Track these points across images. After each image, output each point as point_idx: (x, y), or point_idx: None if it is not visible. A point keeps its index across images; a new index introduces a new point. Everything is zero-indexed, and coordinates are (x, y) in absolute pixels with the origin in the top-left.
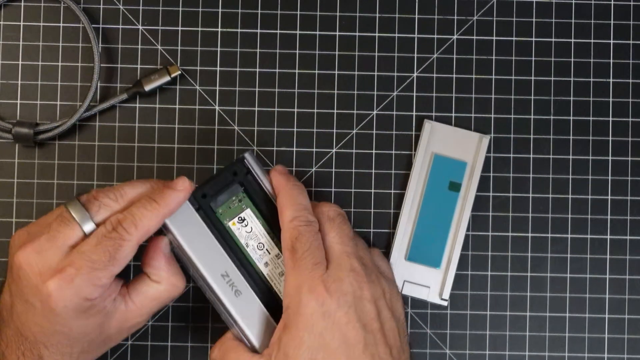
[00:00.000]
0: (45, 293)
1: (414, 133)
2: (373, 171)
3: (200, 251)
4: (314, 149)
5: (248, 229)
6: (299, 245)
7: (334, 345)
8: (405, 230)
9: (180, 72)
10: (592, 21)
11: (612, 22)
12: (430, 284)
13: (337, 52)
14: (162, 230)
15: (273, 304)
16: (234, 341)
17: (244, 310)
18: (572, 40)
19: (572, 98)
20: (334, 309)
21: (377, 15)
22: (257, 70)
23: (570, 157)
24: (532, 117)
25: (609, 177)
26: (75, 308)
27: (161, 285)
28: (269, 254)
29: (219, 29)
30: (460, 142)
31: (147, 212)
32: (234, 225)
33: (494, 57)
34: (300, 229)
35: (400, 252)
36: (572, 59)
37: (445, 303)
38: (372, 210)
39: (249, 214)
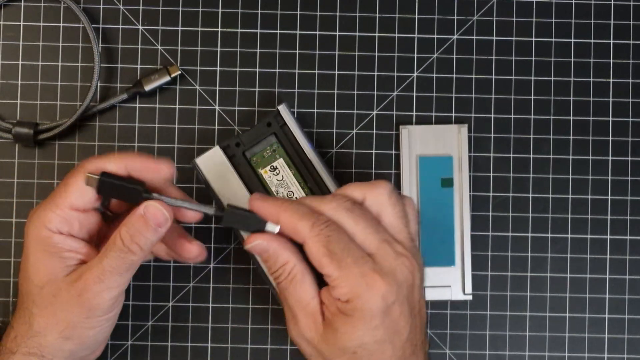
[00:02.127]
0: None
1: None
2: (373, 171)
3: (227, 194)
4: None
5: (279, 177)
6: (334, 246)
7: (382, 337)
8: None
9: (180, 72)
10: (592, 21)
11: (612, 22)
12: (450, 283)
13: (337, 52)
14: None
15: (301, 251)
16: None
17: None
18: (572, 40)
19: (572, 98)
20: (391, 302)
21: (377, 15)
22: (257, 70)
23: (570, 157)
24: (532, 117)
25: (609, 177)
26: (38, 237)
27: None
28: None
29: (219, 29)
30: (440, 137)
31: (108, 154)
32: (265, 174)
33: (494, 57)
34: (326, 232)
35: None
36: (572, 59)
37: (469, 298)
38: None
39: (281, 163)
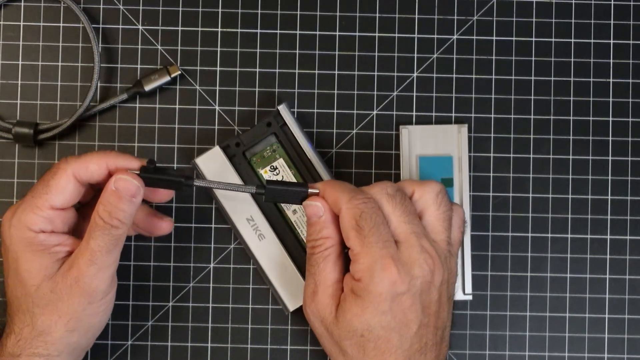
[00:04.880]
0: (1, 232)
1: None
2: (373, 171)
3: (229, 195)
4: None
5: (279, 177)
6: (364, 222)
7: (390, 323)
8: None
9: (180, 72)
10: (592, 21)
11: (612, 22)
12: None
13: (337, 52)
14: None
15: (296, 250)
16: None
17: (266, 253)
18: (572, 40)
19: (572, 98)
20: (402, 291)
21: (377, 15)
22: (257, 70)
23: (570, 157)
24: (532, 117)
25: (609, 177)
26: (23, 239)
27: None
28: None
29: (219, 29)
30: (440, 137)
31: (88, 154)
32: (265, 174)
33: (494, 57)
34: (361, 207)
35: None
36: (572, 59)
37: (469, 298)
38: None
39: (281, 163)
